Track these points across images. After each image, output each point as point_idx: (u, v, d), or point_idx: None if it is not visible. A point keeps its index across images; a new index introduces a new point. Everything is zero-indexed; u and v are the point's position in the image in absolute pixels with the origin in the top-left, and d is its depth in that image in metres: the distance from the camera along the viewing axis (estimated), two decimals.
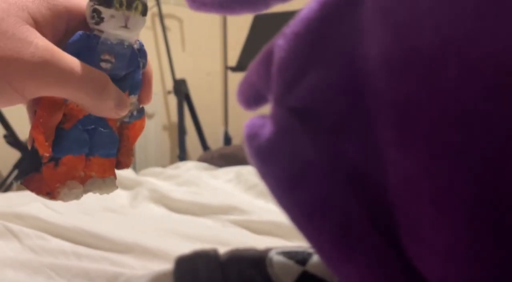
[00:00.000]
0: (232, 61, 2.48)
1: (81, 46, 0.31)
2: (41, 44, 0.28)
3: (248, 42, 2.18)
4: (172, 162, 2.63)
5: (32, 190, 0.33)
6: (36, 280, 0.55)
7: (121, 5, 0.31)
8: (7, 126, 1.85)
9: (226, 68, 2.72)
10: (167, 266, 0.35)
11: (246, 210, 0.79)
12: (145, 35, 2.52)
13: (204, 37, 2.74)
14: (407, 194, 0.15)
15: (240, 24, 2.44)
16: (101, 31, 0.32)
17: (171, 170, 1.15)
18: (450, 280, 0.14)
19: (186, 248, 0.65)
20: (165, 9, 2.50)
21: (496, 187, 0.13)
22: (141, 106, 0.36)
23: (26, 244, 0.68)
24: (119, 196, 0.95)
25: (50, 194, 0.33)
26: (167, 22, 2.51)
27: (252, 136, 0.17)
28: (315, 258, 0.28)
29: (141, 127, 0.36)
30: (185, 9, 2.69)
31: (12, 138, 1.88)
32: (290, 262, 0.27)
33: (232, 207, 0.81)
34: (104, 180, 0.34)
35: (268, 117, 0.18)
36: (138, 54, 0.33)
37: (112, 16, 0.31)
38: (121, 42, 0.32)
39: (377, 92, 0.15)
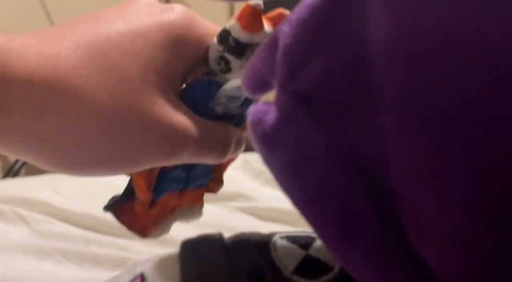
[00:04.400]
0: None
1: (201, 94, 0.28)
2: (180, 124, 0.25)
3: None
4: None
5: (123, 223, 0.31)
6: (45, 265, 0.56)
7: (252, 53, 0.25)
8: None
9: None
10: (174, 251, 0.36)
11: (252, 197, 0.80)
12: None
13: (211, 22, 2.73)
14: (408, 180, 0.15)
15: None
16: (226, 79, 0.28)
17: None
18: (449, 266, 0.14)
19: (192, 234, 0.65)
20: None
21: (498, 176, 0.13)
22: None
23: (35, 229, 0.68)
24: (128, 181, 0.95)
25: (142, 232, 0.31)
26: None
27: (256, 122, 0.18)
28: (318, 242, 0.28)
29: (236, 157, 0.33)
30: None
31: None
32: (293, 246, 0.28)
33: (238, 194, 0.81)
34: (192, 209, 0.33)
35: (272, 103, 0.18)
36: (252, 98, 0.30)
37: (241, 67, 0.27)
38: (239, 87, 0.28)
39: (380, 79, 0.15)
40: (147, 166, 0.26)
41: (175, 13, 0.26)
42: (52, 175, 1.12)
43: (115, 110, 0.23)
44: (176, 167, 0.30)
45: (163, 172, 0.30)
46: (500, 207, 0.13)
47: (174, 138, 0.25)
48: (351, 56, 0.16)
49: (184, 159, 0.27)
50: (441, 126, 0.14)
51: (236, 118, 0.30)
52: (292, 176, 0.17)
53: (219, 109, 0.29)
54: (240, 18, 0.26)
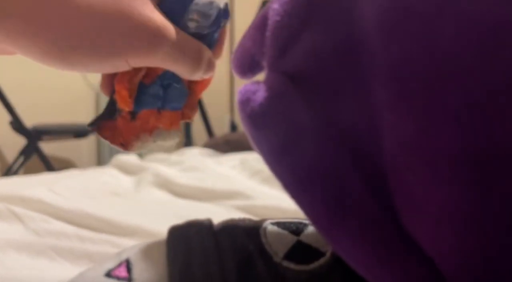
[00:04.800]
0: None
1: (176, 5, 0.31)
2: (158, 21, 0.29)
3: None
4: (177, 148, 2.63)
5: (105, 138, 0.34)
6: (38, 262, 0.55)
7: None
8: (12, 112, 1.86)
9: (233, 54, 2.71)
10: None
11: (250, 196, 0.79)
12: None
13: None
14: (401, 156, 0.14)
15: (247, 11, 2.43)
16: None
17: (176, 156, 1.15)
18: (442, 245, 0.13)
19: None
20: None
21: (493, 147, 0.12)
22: None
23: (30, 226, 0.68)
24: (123, 181, 0.95)
25: (124, 145, 0.34)
26: None
27: (245, 101, 0.17)
28: (310, 228, 0.27)
29: (208, 82, 0.37)
30: None
31: (17, 125, 1.88)
32: (284, 232, 0.27)
33: (236, 193, 0.81)
34: (169, 132, 0.35)
35: (261, 82, 0.17)
36: (222, 15, 0.34)
37: None
38: (210, 3, 0.32)
39: (372, 54, 0.15)
40: (129, 58, 0.29)
41: None
42: (48, 174, 1.11)
43: (104, 8, 0.27)
44: (154, 83, 0.33)
45: (143, 86, 0.33)
46: (497, 180, 0.12)
47: (153, 30, 0.28)
48: (343, 31, 0.16)
49: (160, 58, 0.29)
50: (432, 95, 0.13)
51: (207, 39, 0.33)
52: (281, 156, 0.16)
53: (191, 25, 0.32)
54: None
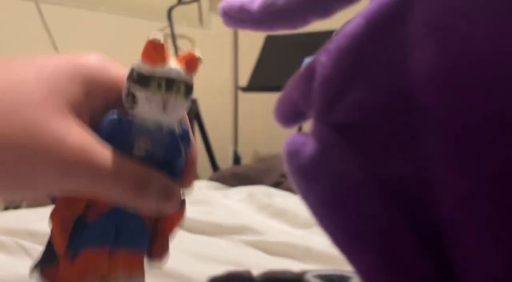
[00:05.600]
0: (243, 81, 2.49)
1: (114, 132, 0.28)
2: (72, 142, 0.26)
3: (259, 62, 2.19)
4: None
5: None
6: None
7: (159, 87, 0.27)
8: None
9: (237, 88, 2.74)
10: None
11: (259, 231, 0.78)
12: None
13: (216, 57, 2.76)
14: (458, 214, 0.14)
15: (252, 45, 2.46)
16: (134, 116, 0.28)
17: None
18: None
19: (199, 268, 0.64)
20: (177, 29, 2.53)
21: None
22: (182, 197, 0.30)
23: None
24: None
25: None
26: (179, 42, 2.54)
27: (293, 154, 0.17)
28: (354, 281, 0.27)
29: (178, 219, 0.31)
30: (197, 30, 2.73)
31: None
32: None
33: (245, 227, 0.80)
34: (130, 277, 0.30)
35: (309, 135, 0.18)
36: (179, 141, 0.29)
37: (148, 100, 0.27)
38: (158, 128, 0.28)
39: (427, 110, 0.15)
40: (52, 187, 0.26)
41: (89, 56, 0.29)
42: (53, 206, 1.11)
43: (7, 125, 0.24)
44: (98, 221, 0.29)
45: (84, 221, 0.28)
46: None
47: (65, 153, 0.25)
48: (393, 85, 0.16)
49: (83, 184, 0.26)
50: (493, 153, 0.13)
51: (167, 167, 0.29)
52: (332, 211, 0.16)
53: (140, 153, 0.28)
54: (142, 53, 0.27)
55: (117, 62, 0.30)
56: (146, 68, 0.27)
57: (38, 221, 0.82)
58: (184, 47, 2.64)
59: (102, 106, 0.28)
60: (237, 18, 0.22)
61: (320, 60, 0.18)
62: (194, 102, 2.35)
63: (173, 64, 0.28)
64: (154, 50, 0.27)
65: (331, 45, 0.17)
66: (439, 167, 0.14)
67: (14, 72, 0.26)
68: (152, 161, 0.28)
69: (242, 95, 2.71)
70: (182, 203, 0.30)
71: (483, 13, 0.14)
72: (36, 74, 0.26)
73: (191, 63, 0.28)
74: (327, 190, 0.16)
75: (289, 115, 0.20)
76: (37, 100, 0.25)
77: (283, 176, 1.16)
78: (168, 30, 2.50)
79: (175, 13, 2.49)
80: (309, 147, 0.17)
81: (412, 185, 0.15)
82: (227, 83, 2.88)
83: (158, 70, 0.27)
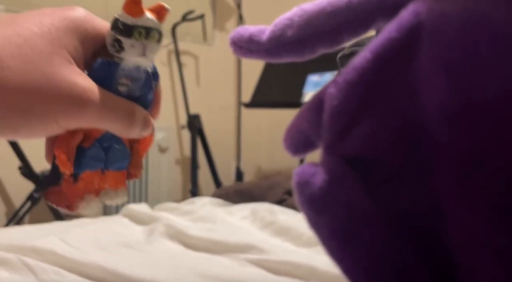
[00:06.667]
0: (246, 97, 2.50)
1: (103, 73, 0.34)
2: (83, 84, 0.31)
3: (262, 79, 2.20)
4: (184, 195, 2.62)
5: (52, 203, 0.36)
6: None
7: (140, 35, 0.33)
8: (22, 158, 1.87)
9: (240, 104, 2.75)
10: None
11: (263, 249, 0.78)
12: (161, 70, 2.55)
13: (219, 74, 2.78)
14: (469, 250, 0.14)
15: (255, 61, 2.47)
16: (121, 59, 0.34)
17: (186, 205, 1.15)
18: None
19: None
20: (181, 46, 2.55)
21: None
22: None
23: (42, 278, 0.67)
24: (134, 231, 0.94)
25: (69, 207, 0.35)
26: (183, 58, 2.55)
27: (303, 184, 0.17)
28: None
29: (150, 141, 0.39)
30: (200, 46, 2.75)
31: (27, 170, 1.89)
32: None
33: (249, 246, 0.80)
34: (116, 191, 0.37)
35: (319, 165, 0.18)
36: (152, 77, 0.36)
37: (132, 46, 0.33)
38: (137, 68, 0.35)
39: (436, 144, 0.15)
40: (59, 121, 0.31)
41: (77, 9, 0.34)
42: (57, 223, 1.11)
43: (28, 73, 0.29)
44: (93, 146, 0.35)
45: (82, 149, 0.35)
46: None
47: (78, 93, 0.30)
48: (402, 118, 0.16)
49: (89, 118, 0.31)
50: (503, 189, 0.14)
51: (141, 101, 0.36)
52: (343, 243, 0.16)
53: (122, 89, 0.35)
54: (124, 6, 0.33)
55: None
56: (130, 19, 0.33)
57: (42, 237, 0.82)
58: (188, 62, 2.65)
59: (92, 53, 0.34)
60: (247, 48, 0.23)
61: (329, 91, 0.18)
62: (197, 118, 2.36)
63: (149, 15, 0.33)
64: (135, 4, 0.33)
65: (340, 78, 0.18)
66: (449, 200, 0.15)
67: (21, 27, 0.30)
68: (131, 95, 0.35)
69: (245, 111, 2.71)
70: (153, 128, 0.38)
71: (494, 51, 0.14)
72: (39, 29, 0.30)
73: (161, 13, 0.34)
74: (338, 221, 0.16)
75: (298, 144, 0.20)
76: (47, 52, 0.30)
77: (286, 193, 1.16)
78: (172, 47, 2.52)
79: (179, 29, 2.51)
80: (319, 177, 0.17)
81: (423, 217, 0.16)
82: (230, 99, 2.89)
83: (139, 21, 0.33)
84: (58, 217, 1.83)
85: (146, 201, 2.25)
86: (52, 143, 0.35)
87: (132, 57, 0.34)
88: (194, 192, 2.28)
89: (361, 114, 0.17)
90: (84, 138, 0.35)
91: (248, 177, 2.77)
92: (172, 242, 0.86)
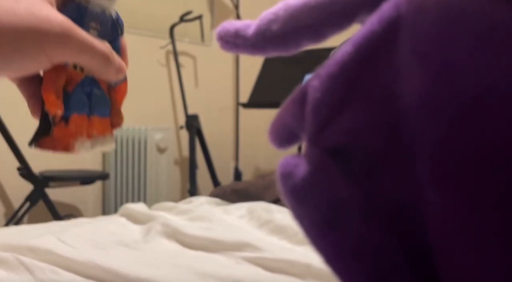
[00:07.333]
0: (244, 97, 2.50)
1: (74, 15, 0.35)
2: (62, 19, 0.33)
3: (260, 79, 2.20)
4: (182, 196, 2.62)
5: (48, 149, 0.37)
6: None
7: None
8: (21, 159, 1.87)
9: (238, 104, 2.75)
10: None
11: (259, 247, 0.78)
12: (160, 71, 2.56)
13: (217, 74, 2.78)
14: (447, 236, 0.15)
15: (252, 61, 2.48)
16: (87, 2, 0.36)
17: (183, 205, 1.15)
18: None
19: None
20: (179, 46, 2.55)
21: None
22: None
23: (39, 277, 0.67)
24: (132, 230, 0.94)
25: (66, 148, 0.38)
26: (181, 59, 2.56)
27: (286, 175, 0.18)
28: None
29: (125, 90, 0.42)
30: (198, 47, 2.75)
31: (25, 171, 1.89)
32: None
33: (245, 244, 0.80)
34: (104, 137, 0.40)
35: (302, 157, 0.18)
36: (117, 23, 0.38)
37: None
38: (103, 12, 0.37)
39: (415, 134, 0.15)
40: (48, 50, 0.33)
41: None
42: (56, 223, 1.11)
43: (17, 11, 0.32)
44: (76, 90, 0.38)
45: (67, 93, 0.37)
46: None
47: (61, 22, 0.33)
48: (383, 108, 0.16)
49: (74, 49, 0.34)
50: (480, 179, 0.14)
51: (112, 47, 0.37)
52: (324, 232, 0.16)
53: (93, 33, 0.36)
54: None
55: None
56: None
57: (38, 237, 0.82)
58: (186, 63, 2.66)
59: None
60: (233, 42, 0.23)
61: (312, 84, 0.18)
62: (195, 118, 2.36)
63: None
64: None
65: (323, 71, 0.18)
66: (429, 192, 0.15)
67: None
68: (101, 39, 0.36)
69: (243, 112, 2.72)
70: (124, 78, 0.41)
71: (469, 44, 0.15)
72: None
73: None
74: (320, 211, 0.17)
75: (283, 137, 0.20)
76: None
77: None
78: (170, 47, 2.52)
79: (177, 30, 2.52)
80: (302, 168, 0.17)
81: (403, 207, 0.16)
82: (228, 100, 2.89)
83: None
84: (57, 217, 1.83)
85: (144, 201, 2.25)
86: (35, 100, 0.37)
87: (98, 2, 0.36)
88: (193, 192, 2.28)
89: (343, 106, 0.17)
90: (67, 83, 0.37)
91: (246, 177, 2.77)
92: (169, 241, 0.86)
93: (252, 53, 0.22)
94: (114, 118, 0.41)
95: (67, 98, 0.37)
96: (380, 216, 0.16)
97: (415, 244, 0.16)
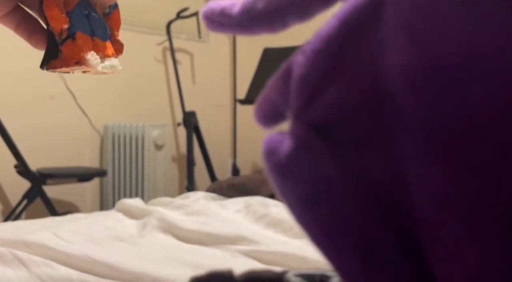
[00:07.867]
0: (241, 94, 2.50)
1: None
2: None
3: (257, 75, 2.20)
4: (180, 192, 2.62)
5: (60, 67, 0.38)
6: None
7: None
8: (18, 156, 1.86)
9: (235, 101, 2.75)
10: None
11: (255, 240, 0.78)
12: (157, 68, 2.55)
13: (214, 71, 2.78)
14: (431, 210, 0.15)
15: (249, 58, 2.48)
16: None
17: (180, 200, 1.15)
18: None
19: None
20: (176, 43, 2.54)
21: None
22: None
23: (34, 272, 0.67)
24: (127, 225, 0.94)
25: (79, 62, 0.38)
26: (178, 56, 2.55)
27: (270, 152, 0.17)
28: (334, 280, 0.27)
29: (119, 18, 0.42)
30: (196, 43, 2.75)
31: (23, 168, 1.88)
32: None
33: (241, 237, 0.80)
34: (110, 58, 0.40)
35: (287, 133, 0.18)
36: None
37: None
38: None
39: (400, 107, 0.15)
40: None
41: None
42: (52, 218, 1.10)
43: None
44: (75, 9, 0.38)
45: (67, 12, 0.38)
46: None
47: None
48: (368, 84, 0.16)
49: None
50: (462, 150, 0.14)
51: None
52: (308, 208, 0.16)
53: None
54: None
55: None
56: None
57: (34, 232, 0.82)
58: (183, 60, 2.65)
59: None
60: (219, 22, 0.23)
61: (297, 60, 0.18)
62: (193, 115, 2.36)
63: None
64: None
65: (307, 47, 0.18)
66: (415, 166, 0.15)
67: None
68: None
69: (240, 108, 2.71)
70: (116, 3, 0.42)
71: (456, 14, 0.15)
72: None
73: None
74: (304, 187, 0.16)
75: (268, 116, 0.20)
76: None
77: None
78: (167, 44, 2.51)
79: (174, 27, 2.51)
80: (286, 144, 0.17)
81: (389, 185, 0.16)
82: (225, 96, 2.89)
83: None
84: (54, 214, 1.83)
85: (142, 198, 2.25)
86: (37, 34, 0.38)
87: None
88: (191, 189, 2.28)
89: (328, 82, 0.17)
90: (65, 4, 0.38)
91: (244, 173, 2.77)
92: (164, 235, 0.86)
93: (238, 33, 0.22)
94: (115, 45, 0.42)
95: (68, 16, 0.38)
96: (364, 192, 0.16)
97: (402, 223, 0.15)
